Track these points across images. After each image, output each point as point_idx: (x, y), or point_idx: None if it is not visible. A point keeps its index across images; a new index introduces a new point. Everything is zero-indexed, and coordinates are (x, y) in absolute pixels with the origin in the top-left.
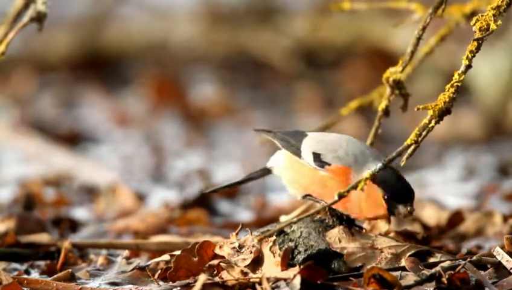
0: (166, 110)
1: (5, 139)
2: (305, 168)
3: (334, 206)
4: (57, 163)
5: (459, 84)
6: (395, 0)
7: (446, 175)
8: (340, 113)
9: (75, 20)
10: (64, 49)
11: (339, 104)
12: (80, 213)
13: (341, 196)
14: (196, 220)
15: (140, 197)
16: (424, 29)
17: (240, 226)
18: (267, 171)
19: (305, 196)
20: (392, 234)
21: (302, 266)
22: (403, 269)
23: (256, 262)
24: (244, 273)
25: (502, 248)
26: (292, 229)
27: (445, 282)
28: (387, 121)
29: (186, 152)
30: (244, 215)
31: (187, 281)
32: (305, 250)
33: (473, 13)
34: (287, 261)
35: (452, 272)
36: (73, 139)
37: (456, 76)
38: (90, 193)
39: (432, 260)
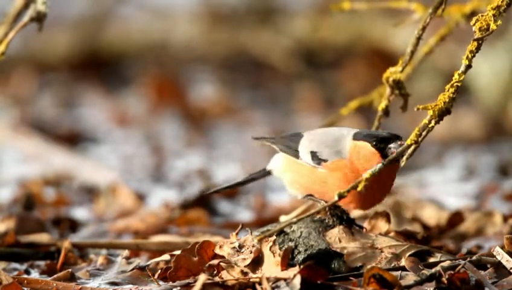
0: (166, 110)
1: (5, 139)
2: (304, 168)
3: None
4: (56, 163)
5: (459, 84)
6: (395, 0)
7: (446, 175)
8: (340, 113)
9: (75, 20)
10: (64, 49)
11: (339, 104)
12: (79, 213)
13: (341, 196)
14: (196, 220)
15: (140, 197)
16: (424, 29)
17: (240, 226)
18: (267, 173)
19: (306, 196)
20: (392, 234)
21: (302, 266)
22: (403, 269)
23: (256, 262)
24: (244, 273)
25: (502, 248)
26: (292, 229)
27: (445, 282)
28: (387, 121)
29: (186, 152)
30: (244, 215)
31: (187, 281)
32: (305, 250)
33: (473, 13)
34: (287, 261)
35: (452, 272)
36: (73, 139)
37: (456, 76)
38: (90, 193)
39: (432, 260)
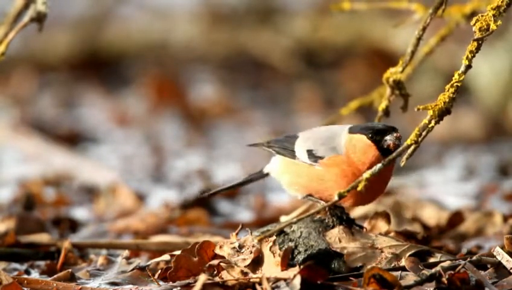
0: (166, 110)
1: (5, 139)
2: (302, 168)
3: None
4: (56, 163)
5: (459, 84)
6: (395, 0)
7: (446, 175)
8: (340, 113)
9: (75, 20)
10: (64, 49)
11: (339, 104)
12: (79, 213)
13: (341, 196)
14: (196, 220)
15: (140, 197)
16: (424, 29)
17: (240, 226)
18: (265, 175)
19: (306, 196)
20: (392, 234)
21: (302, 266)
22: (403, 269)
23: (256, 262)
24: (244, 273)
25: (502, 248)
26: (292, 229)
27: (445, 282)
28: (387, 121)
29: (186, 152)
30: (244, 215)
31: (187, 281)
32: (305, 250)
33: (473, 13)
34: (287, 261)
35: (452, 272)
36: (73, 139)
37: (456, 76)
38: (90, 193)
39: (432, 260)
